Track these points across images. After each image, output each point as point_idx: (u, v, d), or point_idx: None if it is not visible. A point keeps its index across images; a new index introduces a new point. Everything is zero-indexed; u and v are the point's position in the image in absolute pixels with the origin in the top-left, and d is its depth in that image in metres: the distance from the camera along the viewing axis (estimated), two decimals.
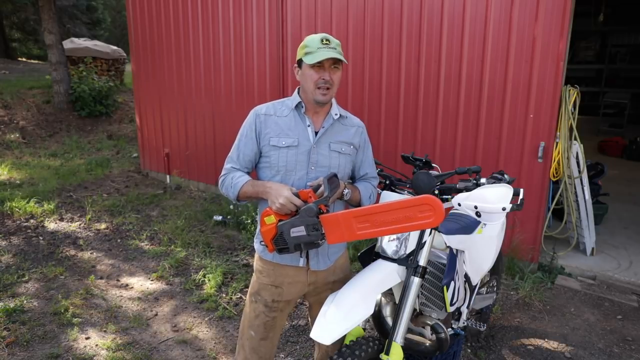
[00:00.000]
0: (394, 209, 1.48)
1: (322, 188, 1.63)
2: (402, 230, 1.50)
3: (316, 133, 1.82)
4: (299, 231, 1.57)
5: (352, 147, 1.87)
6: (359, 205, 1.90)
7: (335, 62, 1.73)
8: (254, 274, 1.95)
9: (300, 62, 1.77)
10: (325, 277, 1.88)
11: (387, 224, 1.49)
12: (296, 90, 1.87)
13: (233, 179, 1.79)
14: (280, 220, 1.60)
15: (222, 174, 1.86)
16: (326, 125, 1.82)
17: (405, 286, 1.83)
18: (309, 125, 1.81)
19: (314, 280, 1.86)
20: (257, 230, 1.87)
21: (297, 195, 1.62)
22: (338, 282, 1.92)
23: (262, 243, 1.70)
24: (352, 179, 1.99)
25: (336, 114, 1.85)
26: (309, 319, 2.07)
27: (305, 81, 1.76)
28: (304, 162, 1.78)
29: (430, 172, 2.07)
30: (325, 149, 1.80)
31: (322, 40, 1.71)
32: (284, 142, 1.77)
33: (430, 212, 1.42)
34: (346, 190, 1.79)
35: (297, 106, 1.82)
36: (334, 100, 1.86)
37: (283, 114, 1.82)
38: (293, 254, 1.76)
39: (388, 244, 1.91)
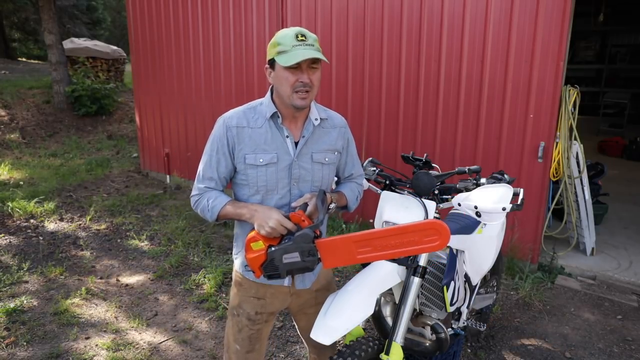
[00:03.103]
0: (398, 233, 1.40)
1: (310, 208, 1.55)
2: (406, 254, 1.43)
3: (296, 144, 1.63)
4: (292, 257, 1.46)
5: (335, 153, 1.72)
6: (345, 208, 1.83)
7: (314, 61, 1.51)
8: (232, 286, 1.84)
9: (272, 62, 1.53)
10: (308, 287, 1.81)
11: (390, 247, 1.41)
12: (268, 94, 1.65)
13: (209, 201, 1.61)
14: (270, 246, 1.47)
15: (194, 193, 1.67)
16: (306, 134, 1.64)
17: (405, 286, 1.83)
18: (287, 137, 1.61)
19: (296, 290, 1.78)
20: (238, 249, 1.77)
21: (287, 218, 1.49)
22: (321, 290, 1.85)
23: (248, 269, 1.54)
24: (337, 178, 1.89)
25: (316, 119, 1.65)
26: (298, 330, 2.01)
27: (280, 84, 1.53)
28: (285, 179, 1.62)
29: (430, 172, 2.07)
30: (307, 161, 1.64)
31: (296, 37, 1.47)
32: (261, 160, 1.58)
33: (436, 236, 1.37)
34: (332, 205, 1.69)
35: (273, 116, 1.61)
36: (312, 102, 1.67)
37: (257, 125, 1.60)
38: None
39: None
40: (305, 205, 1.57)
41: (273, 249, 1.47)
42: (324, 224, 1.75)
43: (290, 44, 1.47)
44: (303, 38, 1.48)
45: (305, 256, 1.46)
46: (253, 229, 1.54)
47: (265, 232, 1.47)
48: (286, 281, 1.71)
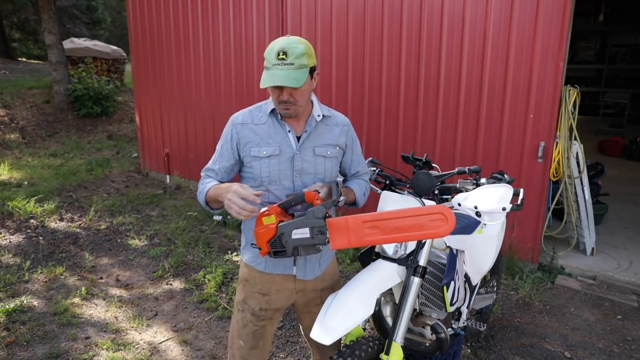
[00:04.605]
0: (406, 216, 1.42)
1: (322, 195, 1.57)
2: (412, 239, 1.44)
3: (298, 138, 1.70)
4: (302, 233, 1.45)
5: (337, 148, 1.77)
6: (353, 204, 1.87)
7: None
8: (238, 282, 1.88)
9: None
10: (314, 285, 1.82)
11: (397, 231, 1.42)
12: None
13: (201, 186, 1.71)
14: (281, 221, 1.48)
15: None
16: (309, 128, 1.70)
17: (405, 286, 1.83)
18: (289, 131, 1.69)
19: (302, 287, 1.80)
20: (245, 240, 1.81)
21: (302, 195, 1.51)
22: (327, 290, 1.87)
23: (254, 245, 1.54)
24: (344, 176, 1.95)
25: (319, 115, 1.72)
26: (301, 329, 2.04)
27: (270, 95, 1.65)
28: (287, 171, 1.67)
29: (430, 172, 2.07)
30: (309, 154, 1.69)
31: (278, 55, 1.51)
32: (264, 152, 1.66)
33: (442, 221, 1.38)
34: (342, 198, 1.73)
35: (273, 112, 1.70)
36: (315, 100, 1.75)
37: (261, 121, 1.70)
38: (285, 263, 1.72)
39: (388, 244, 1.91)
40: (317, 192, 1.59)
41: (284, 223, 1.48)
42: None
43: (271, 63, 1.53)
44: (283, 57, 1.51)
45: (315, 233, 1.45)
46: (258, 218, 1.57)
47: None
48: (294, 269, 1.74)
